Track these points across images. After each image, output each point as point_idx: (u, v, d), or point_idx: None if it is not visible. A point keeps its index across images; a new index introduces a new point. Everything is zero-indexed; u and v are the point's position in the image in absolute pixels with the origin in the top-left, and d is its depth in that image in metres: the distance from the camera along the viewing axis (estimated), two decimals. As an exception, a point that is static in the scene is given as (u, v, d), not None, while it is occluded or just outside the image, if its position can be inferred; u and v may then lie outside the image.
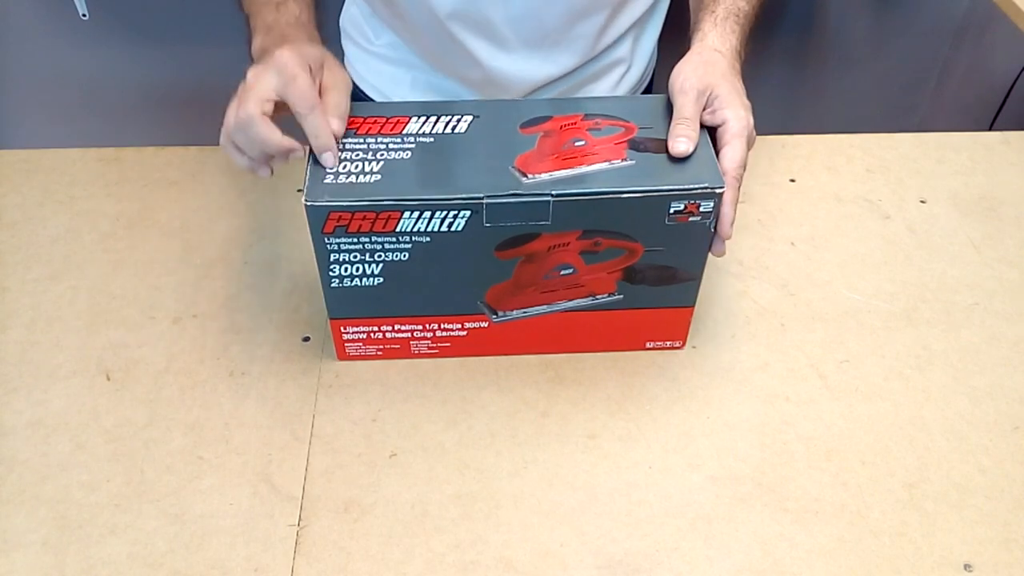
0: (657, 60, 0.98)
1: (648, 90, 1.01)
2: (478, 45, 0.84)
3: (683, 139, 0.64)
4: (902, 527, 0.63)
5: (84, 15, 1.47)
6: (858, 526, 0.63)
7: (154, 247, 0.82)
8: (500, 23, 0.82)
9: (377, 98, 0.95)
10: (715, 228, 0.65)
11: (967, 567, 0.61)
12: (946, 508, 0.64)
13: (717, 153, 0.65)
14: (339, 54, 1.02)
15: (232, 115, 0.63)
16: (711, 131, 0.66)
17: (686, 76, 0.67)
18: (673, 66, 0.69)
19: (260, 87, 0.63)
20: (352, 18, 0.96)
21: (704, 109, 0.66)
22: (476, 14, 0.81)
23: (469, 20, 0.81)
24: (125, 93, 1.58)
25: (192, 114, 1.58)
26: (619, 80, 0.93)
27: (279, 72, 0.62)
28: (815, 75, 1.72)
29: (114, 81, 1.56)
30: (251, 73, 0.64)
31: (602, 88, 0.92)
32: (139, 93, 1.57)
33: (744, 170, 0.66)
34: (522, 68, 0.85)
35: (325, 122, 0.62)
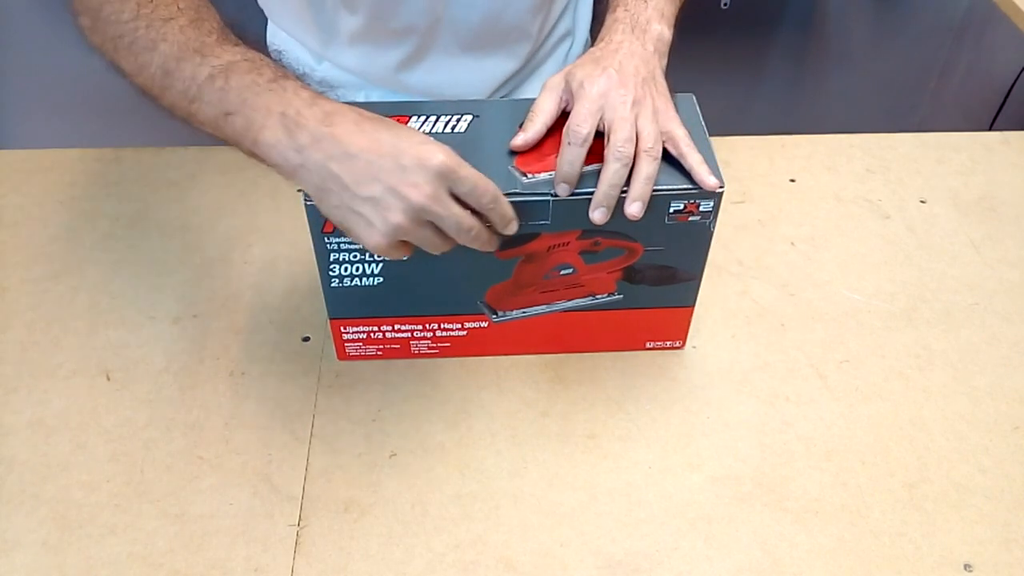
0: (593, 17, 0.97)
1: None
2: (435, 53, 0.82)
3: (524, 134, 0.61)
4: (902, 527, 0.63)
5: (84, 15, 1.47)
6: (858, 526, 0.63)
7: (154, 247, 0.82)
8: (464, 29, 0.81)
9: None
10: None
11: (967, 567, 0.61)
12: (946, 508, 0.64)
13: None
14: None
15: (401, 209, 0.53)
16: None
17: (546, 87, 0.63)
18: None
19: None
20: (289, 57, 0.88)
21: (568, 105, 0.62)
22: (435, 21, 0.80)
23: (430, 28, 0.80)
24: (125, 93, 1.58)
25: (192, 114, 1.58)
26: (565, 57, 0.93)
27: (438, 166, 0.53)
28: (815, 75, 1.72)
29: (114, 81, 1.56)
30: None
31: (551, 70, 0.91)
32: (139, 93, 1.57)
33: (629, 132, 0.59)
34: (481, 69, 0.85)
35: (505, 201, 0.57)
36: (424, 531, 0.62)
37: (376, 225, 0.54)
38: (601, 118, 0.60)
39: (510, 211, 0.58)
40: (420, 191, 0.53)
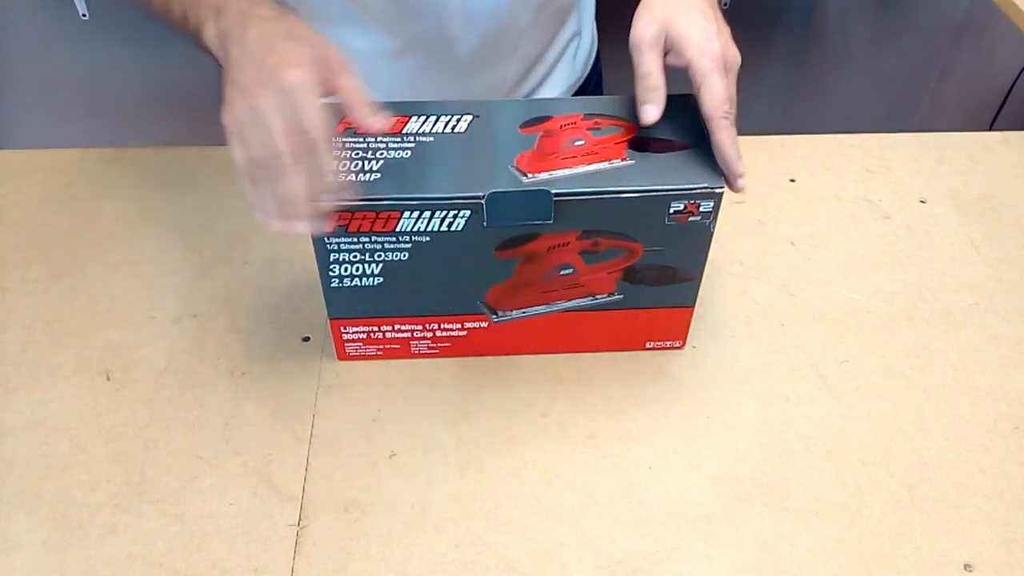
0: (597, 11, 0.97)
1: (598, 52, 1.00)
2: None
3: (649, 107, 0.61)
4: (902, 527, 0.63)
5: (84, 15, 1.47)
6: (858, 526, 0.63)
7: (154, 247, 0.82)
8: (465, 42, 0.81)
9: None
10: (727, 174, 0.62)
11: (967, 567, 0.61)
12: (946, 508, 0.64)
13: (696, 97, 0.61)
14: None
15: (242, 107, 0.52)
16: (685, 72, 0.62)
17: (638, 27, 0.61)
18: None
19: (292, 58, 0.52)
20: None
21: (666, 55, 0.62)
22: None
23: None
24: (125, 93, 1.58)
25: (192, 114, 1.58)
26: (573, 57, 0.93)
27: (316, 52, 0.53)
28: (815, 75, 1.72)
29: (114, 81, 1.56)
30: (243, 56, 0.54)
31: (563, 73, 0.92)
32: (139, 93, 1.57)
33: (731, 104, 0.60)
34: (482, 83, 0.85)
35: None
36: (424, 531, 0.62)
37: (228, 102, 0.54)
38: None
39: (329, 161, 0.55)
40: (252, 93, 0.52)
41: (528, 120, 0.66)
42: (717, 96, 0.60)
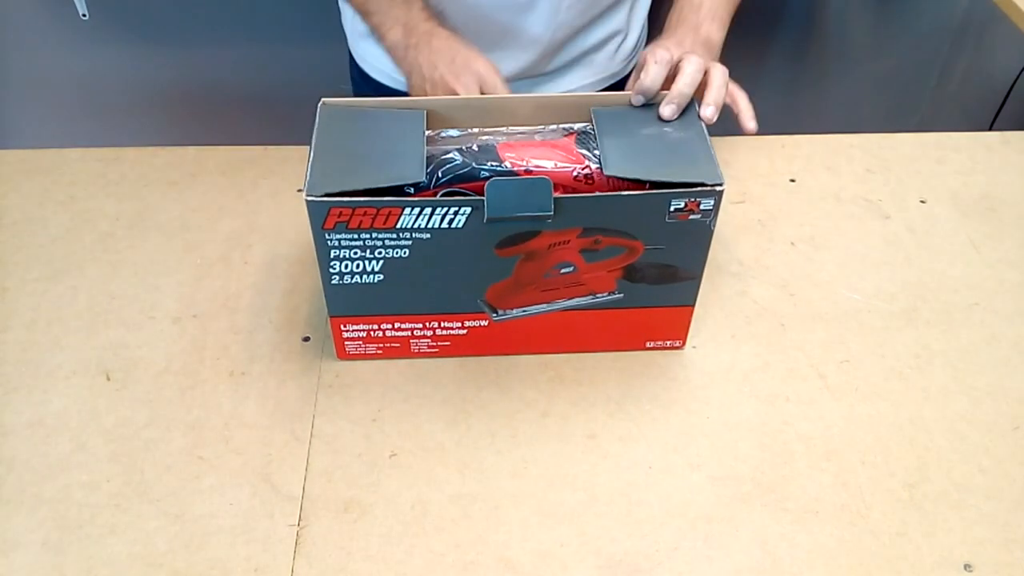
0: (648, 32, 1.02)
1: None
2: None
3: (670, 105, 0.68)
4: (902, 527, 0.63)
5: (84, 15, 1.47)
6: (858, 526, 0.63)
7: (154, 247, 0.82)
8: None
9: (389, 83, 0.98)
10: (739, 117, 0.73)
11: (967, 567, 0.61)
12: (946, 508, 0.64)
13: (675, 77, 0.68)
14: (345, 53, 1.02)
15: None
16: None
17: (647, 50, 0.72)
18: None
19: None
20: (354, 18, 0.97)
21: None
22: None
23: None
24: (125, 93, 1.58)
25: (192, 114, 1.58)
26: (616, 49, 0.97)
27: (478, 77, 0.75)
28: (815, 75, 1.72)
29: (114, 81, 1.56)
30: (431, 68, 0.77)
31: (602, 57, 0.96)
32: (139, 93, 1.57)
33: (698, 69, 0.69)
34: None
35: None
36: (424, 531, 0.62)
37: (421, 91, 0.79)
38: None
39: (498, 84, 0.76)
40: (459, 79, 0.76)
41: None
42: (688, 71, 0.69)
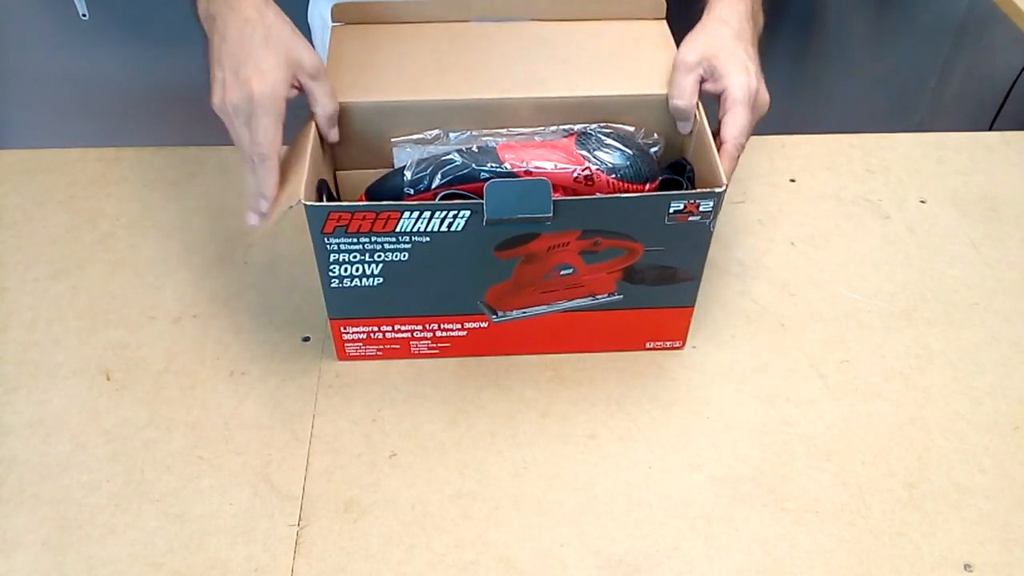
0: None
1: None
2: None
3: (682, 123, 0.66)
4: (902, 527, 0.63)
5: (84, 15, 1.47)
6: (858, 526, 0.63)
7: (154, 247, 0.82)
8: None
9: None
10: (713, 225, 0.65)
11: (967, 567, 0.61)
12: (946, 508, 0.64)
13: (720, 121, 0.65)
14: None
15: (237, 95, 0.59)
16: (716, 99, 0.66)
17: (682, 51, 0.67)
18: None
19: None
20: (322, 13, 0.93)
21: (704, 81, 0.66)
22: None
23: None
24: (125, 93, 1.58)
25: (192, 114, 1.58)
26: None
27: (289, 58, 0.60)
28: (815, 75, 1.72)
29: (114, 81, 1.56)
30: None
31: None
32: (139, 93, 1.57)
33: (747, 138, 0.65)
34: None
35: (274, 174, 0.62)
36: (424, 531, 0.62)
37: (213, 90, 0.61)
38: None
39: (269, 182, 0.62)
40: (228, 96, 0.60)
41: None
42: (739, 125, 0.64)
